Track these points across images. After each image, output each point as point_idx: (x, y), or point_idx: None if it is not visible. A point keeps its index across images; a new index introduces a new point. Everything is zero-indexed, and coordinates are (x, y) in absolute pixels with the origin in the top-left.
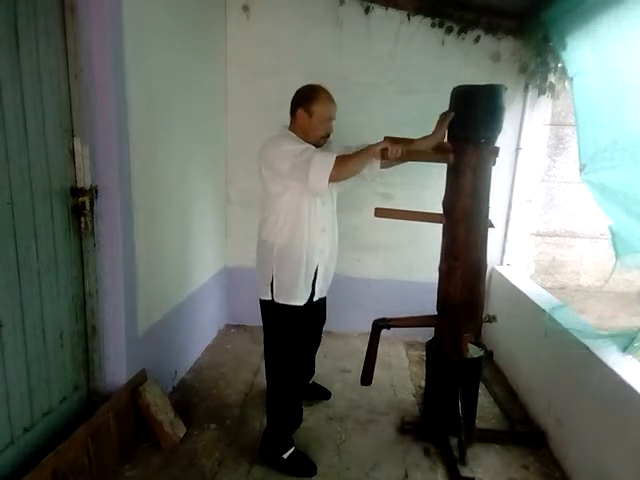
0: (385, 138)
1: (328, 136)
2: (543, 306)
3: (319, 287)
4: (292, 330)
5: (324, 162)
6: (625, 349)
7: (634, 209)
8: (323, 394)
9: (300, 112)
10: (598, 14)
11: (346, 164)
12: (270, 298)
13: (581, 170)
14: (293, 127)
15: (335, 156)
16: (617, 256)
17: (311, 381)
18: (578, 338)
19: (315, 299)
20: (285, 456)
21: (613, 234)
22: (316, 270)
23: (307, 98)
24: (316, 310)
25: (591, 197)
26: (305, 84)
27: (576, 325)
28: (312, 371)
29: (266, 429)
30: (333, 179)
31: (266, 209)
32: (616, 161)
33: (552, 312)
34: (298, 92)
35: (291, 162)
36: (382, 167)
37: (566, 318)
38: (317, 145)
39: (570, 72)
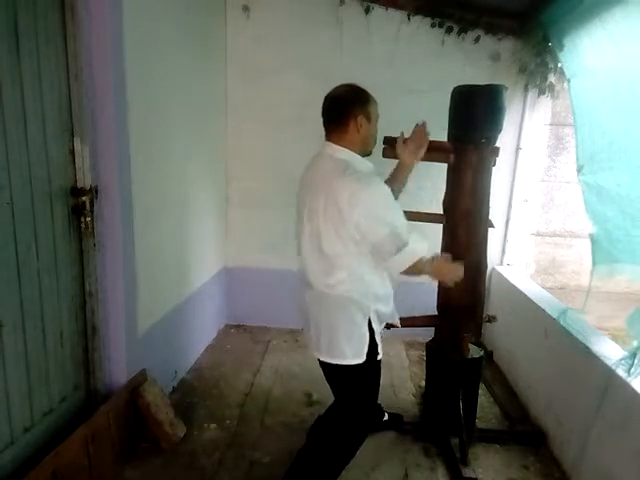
0: (385, 138)
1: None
2: (543, 306)
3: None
4: (377, 385)
5: (411, 255)
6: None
7: (629, 211)
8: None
9: (360, 119)
10: (595, 16)
11: (411, 271)
12: (363, 359)
13: (579, 171)
14: (349, 142)
15: (415, 257)
16: (593, 264)
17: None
18: (578, 338)
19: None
20: None
21: (593, 242)
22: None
23: (363, 100)
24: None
25: (583, 200)
26: (339, 86)
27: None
28: None
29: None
30: (405, 272)
31: (341, 259)
32: (613, 162)
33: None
34: (344, 97)
35: (387, 239)
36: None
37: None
38: (370, 153)
39: (568, 73)
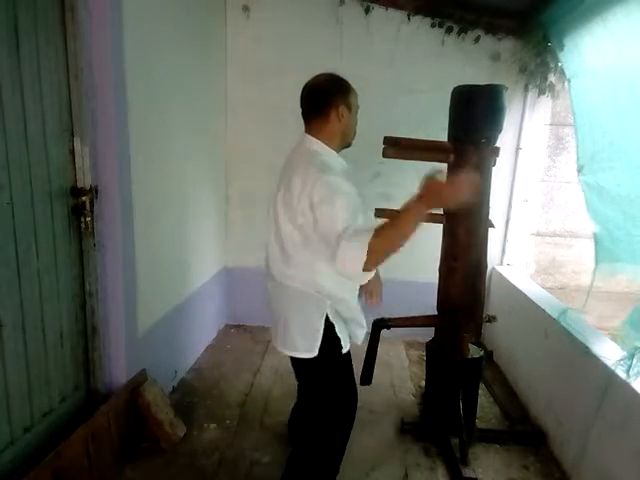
0: (385, 138)
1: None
2: (543, 306)
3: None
4: (347, 379)
5: (354, 252)
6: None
7: (629, 211)
8: None
9: (342, 109)
10: (596, 15)
11: (382, 250)
12: (314, 354)
13: (579, 171)
14: (329, 132)
15: (366, 243)
16: (596, 263)
17: None
18: (578, 338)
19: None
20: None
21: (596, 241)
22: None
23: (345, 90)
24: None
25: (584, 200)
26: (317, 75)
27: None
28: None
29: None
30: (367, 269)
31: (301, 253)
32: (614, 162)
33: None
34: (323, 86)
35: (327, 226)
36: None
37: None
38: (350, 145)
39: (568, 73)
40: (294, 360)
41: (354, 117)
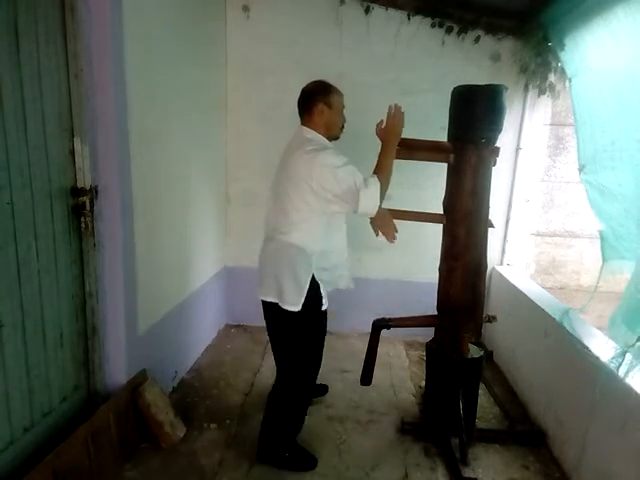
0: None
1: (343, 127)
2: (543, 306)
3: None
4: (321, 334)
5: (372, 192)
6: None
7: (632, 210)
8: (321, 390)
9: (320, 106)
10: (597, 15)
11: (386, 179)
12: (298, 308)
13: (580, 170)
14: (314, 125)
15: (377, 181)
16: (603, 260)
17: None
18: (578, 338)
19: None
20: (288, 454)
21: (602, 238)
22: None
23: (324, 91)
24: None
25: (587, 198)
26: (310, 81)
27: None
28: None
29: (267, 432)
30: (382, 199)
31: (300, 216)
32: (615, 162)
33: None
34: (309, 89)
35: (346, 186)
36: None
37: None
38: (337, 138)
39: (569, 73)
40: (272, 311)
41: (336, 114)
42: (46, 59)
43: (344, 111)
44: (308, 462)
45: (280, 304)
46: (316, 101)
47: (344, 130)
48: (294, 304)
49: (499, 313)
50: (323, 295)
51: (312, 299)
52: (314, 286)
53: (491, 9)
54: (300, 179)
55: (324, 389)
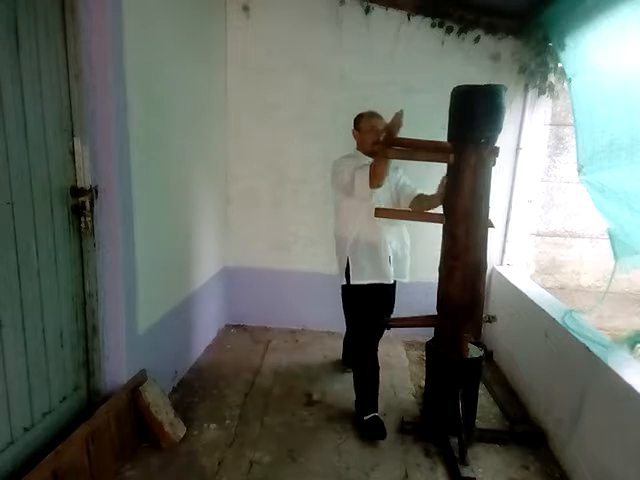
0: (385, 137)
1: (378, 142)
2: (543, 306)
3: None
4: (361, 301)
5: (364, 174)
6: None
7: (637, 207)
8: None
9: (354, 131)
10: (596, 15)
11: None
12: (344, 282)
13: (579, 171)
14: (357, 144)
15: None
16: (616, 258)
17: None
18: (578, 338)
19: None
20: (365, 418)
21: (611, 236)
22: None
23: (355, 120)
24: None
25: (589, 198)
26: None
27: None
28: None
29: (356, 398)
30: (372, 186)
31: (336, 209)
32: (614, 161)
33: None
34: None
35: (341, 180)
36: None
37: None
38: (373, 151)
39: (568, 73)
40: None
41: (363, 135)
42: (46, 59)
43: (377, 129)
44: (377, 431)
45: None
46: (353, 128)
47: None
48: (342, 279)
49: (499, 313)
50: (351, 274)
51: (348, 276)
52: (348, 265)
53: (491, 9)
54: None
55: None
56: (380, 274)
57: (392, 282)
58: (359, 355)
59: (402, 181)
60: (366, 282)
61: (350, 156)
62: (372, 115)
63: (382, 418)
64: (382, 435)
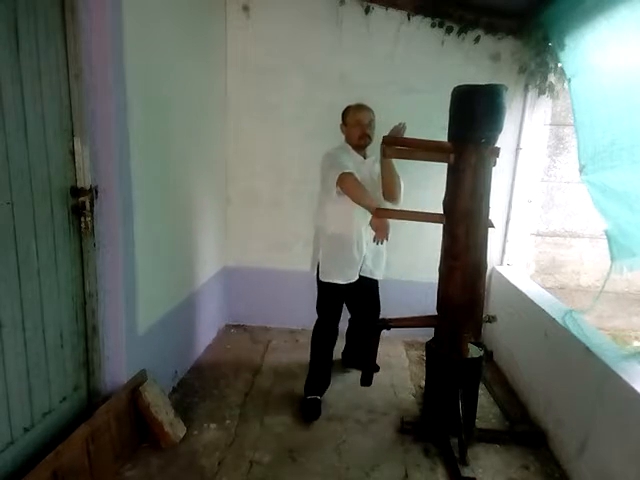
0: (384, 138)
1: (364, 136)
2: (543, 306)
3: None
4: (328, 299)
5: (335, 175)
6: None
7: (636, 207)
8: (368, 373)
9: (341, 125)
10: (596, 15)
11: (348, 188)
12: (315, 274)
13: (581, 170)
14: (345, 137)
15: (340, 174)
16: (612, 259)
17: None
18: (578, 338)
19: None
20: (308, 398)
21: (609, 238)
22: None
23: (343, 113)
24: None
25: (589, 199)
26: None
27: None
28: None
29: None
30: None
31: (319, 201)
32: (615, 161)
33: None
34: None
35: (326, 173)
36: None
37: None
38: (359, 145)
39: (568, 73)
40: None
41: (350, 128)
42: (46, 59)
43: (364, 123)
44: (309, 412)
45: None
46: (341, 121)
47: (371, 140)
48: (313, 269)
49: (499, 313)
50: (322, 269)
51: (319, 270)
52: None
53: (491, 9)
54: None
55: (370, 374)
56: (347, 274)
57: (357, 279)
58: (318, 339)
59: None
60: (332, 281)
61: (341, 149)
62: (359, 108)
63: (382, 418)
64: (316, 415)
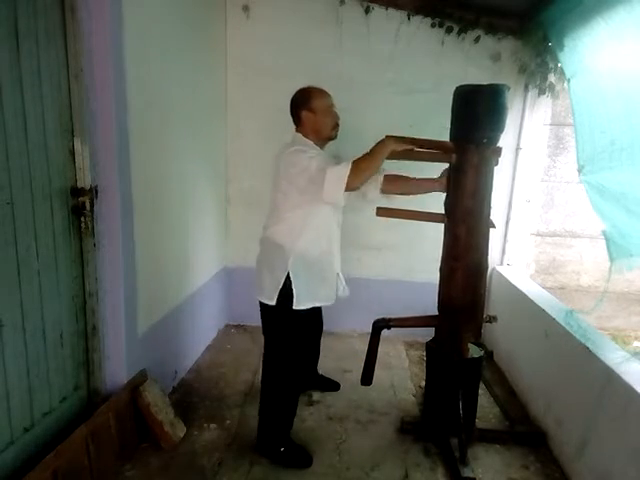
0: (387, 137)
1: (338, 125)
2: (543, 306)
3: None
4: (296, 332)
5: (339, 172)
6: None
7: (634, 209)
8: (332, 386)
9: (304, 114)
10: (596, 15)
11: (362, 168)
12: (273, 302)
13: (579, 171)
14: (304, 132)
15: (349, 164)
16: (611, 260)
17: (320, 372)
18: (578, 338)
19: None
20: (282, 449)
21: (607, 238)
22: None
23: (304, 99)
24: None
25: (587, 199)
26: (300, 88)
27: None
28: (315, 362)
29: (261, 425)
30: (350, 187)
31: (281, 212)
32: (614, 162)
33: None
34: (293, 99)
35: (308, 176)
36: (382, 192)
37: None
38: (332, 138)
39: (567, 73)
40: (260, 305)
41: (322, 117)
42: (46, 59)
43: (334, 109)
44: (303, 459)
45: (258, 297)
46: (300, 110)
47: (340, 128)
48: (270, 298)
49: (499, 313)
50: (294, 295)
51: (285, 296)
52: (288, 284)
53: (491, 9)
54: (280, 177)
55: (335, 385)
56: (329, 296)
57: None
58: (287, 379)
59: None
60: (309, 306)
61: (308, 146)
62: (323, 91)
63: (382, 418)
64: (309, 461)
